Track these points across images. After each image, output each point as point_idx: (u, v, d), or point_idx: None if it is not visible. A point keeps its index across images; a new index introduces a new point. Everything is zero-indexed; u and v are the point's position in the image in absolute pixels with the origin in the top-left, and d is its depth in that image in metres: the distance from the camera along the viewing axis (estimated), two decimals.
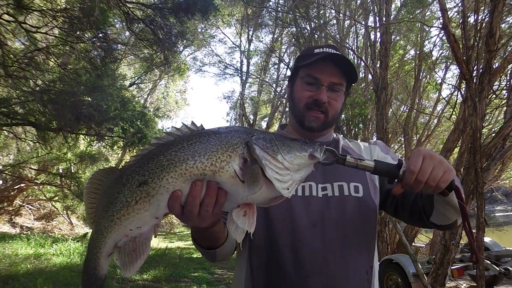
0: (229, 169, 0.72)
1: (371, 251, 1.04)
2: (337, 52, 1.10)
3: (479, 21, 4.11)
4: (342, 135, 1.27)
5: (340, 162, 0.84)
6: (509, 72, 5.16)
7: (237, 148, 0.73)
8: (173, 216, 0.81)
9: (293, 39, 9.63)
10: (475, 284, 4.48)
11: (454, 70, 10.50)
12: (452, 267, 4.65)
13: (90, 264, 0.78)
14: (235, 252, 1.11)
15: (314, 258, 0.96)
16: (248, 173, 0.72)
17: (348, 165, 0.83)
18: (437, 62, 9.91)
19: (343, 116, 8.85)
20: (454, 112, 6.72)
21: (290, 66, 12.73)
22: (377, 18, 8.03)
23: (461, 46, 4.09)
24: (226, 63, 17.62)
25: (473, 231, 0.89)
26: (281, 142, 0.77)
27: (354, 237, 1.01)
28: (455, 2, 8.66)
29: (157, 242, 11.21)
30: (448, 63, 9.82)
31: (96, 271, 0.79)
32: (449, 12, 6.00)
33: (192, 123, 0.79)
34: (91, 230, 0.81)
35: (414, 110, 10.25)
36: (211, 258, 1.01)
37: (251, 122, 15.72)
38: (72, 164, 9.75)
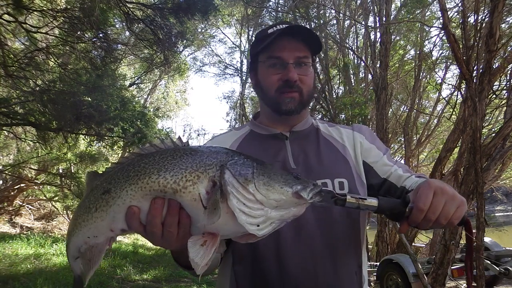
0: (193, 190, 0.65)
1: (359, 249, 0.99)
2: (292, 24, 1.01)
3: (479, 21, 4.12)
4: (319, 118, 1.16)
5: (339, 204, 0.73)
6: (509, 72, 5.17)
7: (209, 170, 0.66)
8: None
9: None
10: (475, 284, 4.48)
11: (454, 70, 10.51)
12: (452, 267, 4.65)
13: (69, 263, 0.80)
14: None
15: (302, 267, 0.90)
16: (211, 198, 0.65)
17: (349, 206, 0.73)
18: (437, 62, 9.91)
19: (343, 116, 8.85)
20: (454, 112, 6.73)
21: None
22: (377, 18, 8.03)
23: (461, 46, 4.09)
24: (226, 63, 17.69)
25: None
26: (262, 171, 0.68)
27: (341, 238, 0.95)
28: (455, 2, 8.67)
29: None
30: (448, 63, 9.83)
31: (72, 270, 0.79)
32: (449, 12, 6.01)
33: (179, 138, 0.75)
34: None
35: (414, 110, 10.25)
36: (195, 274, 0.97)
37: None
38: (72, 164, 9.74)
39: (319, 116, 11.56)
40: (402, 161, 11.44)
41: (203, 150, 0.71)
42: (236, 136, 1.11)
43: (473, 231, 0.79)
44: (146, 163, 0.69)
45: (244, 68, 17.28)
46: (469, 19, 5.23)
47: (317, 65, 9.82)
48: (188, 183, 0.65)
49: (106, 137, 6.71)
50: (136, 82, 15.38)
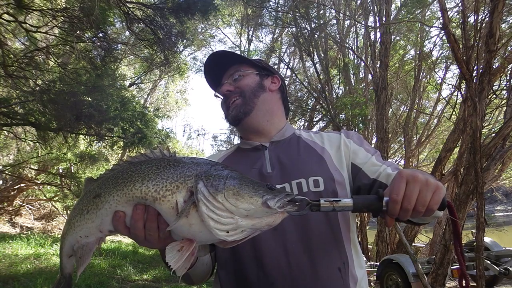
0: (172, 199, 0.70)
1: (342, 246, 0.97)
2: (217, 60, 1.14)
3: (479, 21, 4.12)
4: (302, 128, 1.22)
5: (314, 209, 0.74)
6: (509, 72, 5.17)
7: (188, 180, 0.71)
8: None
9: (293, 39, 9.64)
10: (475, 284, 4.47)
11: (454, 70, 10.51)
12: (452, 267, 4.65)
13: (60, 261, 0.88)
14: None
15: (276, 264, 0.92)
16: (183, 207, 0.69)
17: (325, 210, 0.74)
18: (437, 62, 9.91)
19: (343, 116, 8.85)
20: (454, 112, 6.73)
21: (290, 66, 12.73)
22: (377, 18, 8.03)
23: (461, 46, 4.10)
24: None
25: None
26: (234, 182, 0.71)
27: (318, 237, 0.95)
28: (455, 2, 8.67)
29: None
30: (448, 63, 9.83)
31: (62, 268, 0.87)
32: (449, 12, 6.00)
33: (167, 148, 0.81)
34: None
35: (414, 110, 10.25)
36: (188, 281, 0.98)
37: None
38: (72, 164, 9.74)
39: (319, 116, 11.57)
40: (402, 161, 11.44)
41: (185, 162, 0.76)
42: (224, 153, 1.20)
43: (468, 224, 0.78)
44: (133, 171, 0.76)
45: None
46: (469, 19, 5.23)
47: (317, 65, 9.82)
48: (167, 192, 0.71)
49: (106, 137, 6.70)
50: (136, 82, 15.36)
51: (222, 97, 1.14)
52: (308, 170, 1.00)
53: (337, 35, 10.49)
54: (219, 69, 1.15)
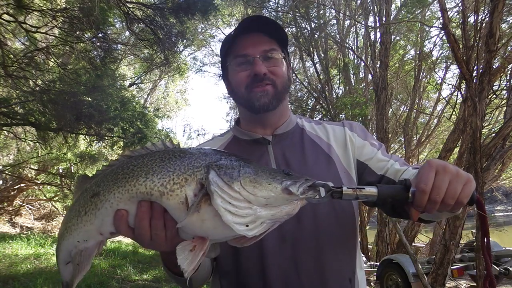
0: (180, 193, 0.64)
1: (352, 254, 0.93)
2: (254, 19, 0.96)
3: (479, 21, 4.12)
4: (304, 117, 1.11)
5: (336, 197, 0.68)
6: (509, 72, 5.17)
7: (197, 172, 0.65)
8: None
9: (293, 39, 9.64)
10: (475, 284, 4.48)
11: (454, 70, 10.51)
12: (452, 267, 4.65)
13: (58, 268, 0.80)
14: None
15: (284, 279, 0.86)
16: (195, 201, 0.63)
17: (347, 198, 0.68)
18: (437, 62, 9.91)
19: (343, 116, 8.86)
20: (454, 112, 6.73)
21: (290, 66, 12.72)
22: (377, 18, 8.04)
23: (461, 46, 4.10)
24: None
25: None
26: (249, 169, 0.65)
27: (331, 246, 0.88)
28: (455, 2, 8.67)
29: None
30: (448, 63, 9.83)
31: (61, 276, 0.79)
32: (449, 12, 6.00)
33: (170, 140, 0.74)
34: None
35: (414, 110, 10.25)
36: (187, 284, 0.90)
37: None
38: (72, 164, 9.74)
39: (319, 116, 11.56)
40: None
41: (192, 152, 0.69)
42: (219, 143, 1.08)
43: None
44: (135, 165, 0.69)
45: None
46: (469, 19, 5.23)
47: (317, 65, 9.82)
48: (175, 186, 0.64)
49: (106, 137, 6.70)
50: (136, 82, 15.36)
51: (248, 72, 0.95)
52: (317, 173, 0.93)
53: (337, 35, 10.50)
54: (248, 31, 0.96)
